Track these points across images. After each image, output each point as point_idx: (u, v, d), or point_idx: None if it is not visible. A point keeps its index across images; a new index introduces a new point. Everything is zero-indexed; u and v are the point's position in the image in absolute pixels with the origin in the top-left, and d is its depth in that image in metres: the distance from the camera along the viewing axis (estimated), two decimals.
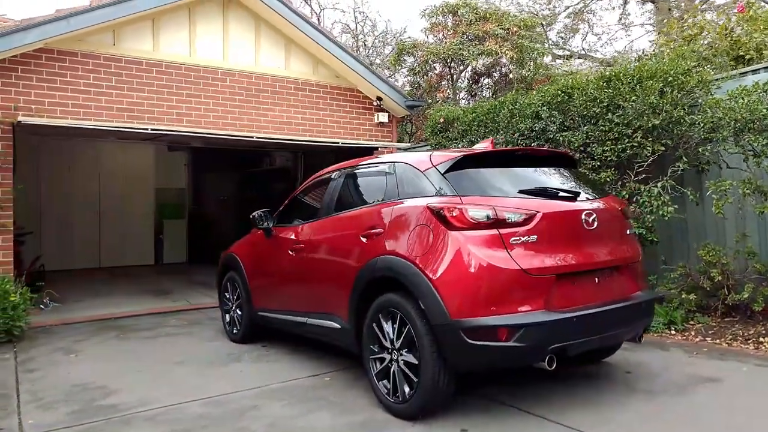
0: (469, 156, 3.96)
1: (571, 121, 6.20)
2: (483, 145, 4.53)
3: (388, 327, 3.89)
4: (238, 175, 13.81)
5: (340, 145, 9.69)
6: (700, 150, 5.45)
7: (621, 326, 3.87)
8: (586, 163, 6.02)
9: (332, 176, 5.02)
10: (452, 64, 10.68)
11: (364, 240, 4.17)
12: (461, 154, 3.94)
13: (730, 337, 5.32)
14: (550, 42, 21.56)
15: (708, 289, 5.56)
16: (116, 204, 12.93)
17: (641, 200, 5.68)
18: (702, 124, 5.33)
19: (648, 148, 5.67)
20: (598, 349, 4.17)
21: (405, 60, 10.85)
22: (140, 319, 7.65)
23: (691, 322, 5.76)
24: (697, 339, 5.43)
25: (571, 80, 6.41)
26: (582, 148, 6.10)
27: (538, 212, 3.66)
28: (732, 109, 5.01)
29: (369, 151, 9.92)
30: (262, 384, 4.63)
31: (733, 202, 5.17)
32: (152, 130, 7.76)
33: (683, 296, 5.62)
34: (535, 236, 3.61)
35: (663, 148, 5.68)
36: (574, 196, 3.90)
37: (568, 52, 20.42)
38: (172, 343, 6.17)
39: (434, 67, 10.75)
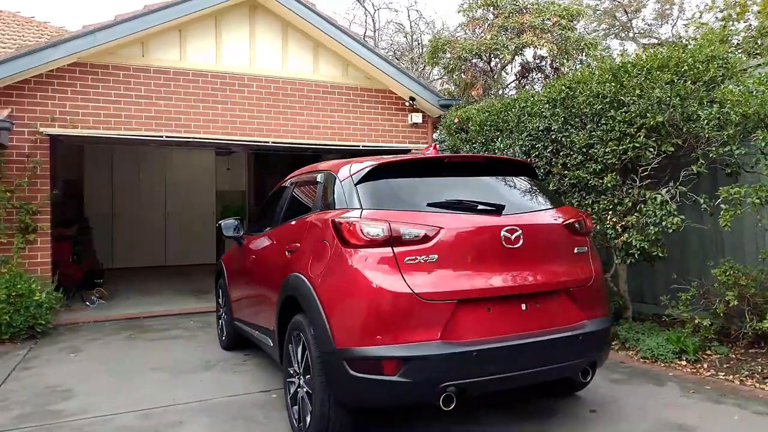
0: (386, 165, 3.53)
1: (577, 120, 5.50)
2: (428, 152, 4.07)
3: (295, 351, 3.59)
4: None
5: (370, 148, 9.42)
6: (709, 151, 4.60)
7: (549, 363, 3.28)
8: (588, 167, 5.31)
9: (286, 184, 4.77)
10: (492, 60, 10.02)
11: (287, 255, 3.89)
12: (375, 163, 3.52)
13: (746, 373, 4.44)
14: (636, 30, 19.91)
15: (721, 314, 4.69)
16: (181, 206, 13.52)
17: (644, 209, 4.91)
18: (707, 120, 4.48)
19: (652, 148, 4.88)
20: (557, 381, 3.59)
21: (441, 57, 10.35)
22: (163, 320, 7.85)
23: (708, 352, 4.90)
24: (708, 373, 4.60)
25: (579, 74, 5.69)
26: (584, 150, 5.38)
27: (440, 228, 3.19)
28: (740, 102, 4.15)
29: (402, 153, 9.58)
30: (208, 397, 4.49)
31: (745, 213, 4.29)
32: (167, 137, 7.94)
33: (697, 321, 4.78)
34: (436, 256, 3.15)
35: (672, 149, 4.86)
36: (495, 210, 3.36)
37: (655, 40, 18.74)
38: (166, 348, 6.22)
39: (470, 63, 10.14)
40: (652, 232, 4.80)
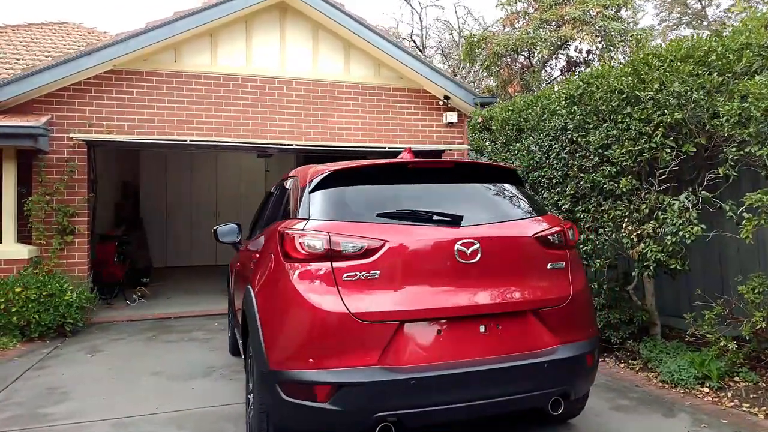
0: (342, 171, 3.25)
1: (595, 118, 5.00)
2: (405, 156, 3.77)
3: (249, 367, 3.41)
4: None
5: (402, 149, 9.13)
6: (728, 151, 3.99)
7: (507, 393, 2.90)
8: (604, 169, 4.80)
9: (272, 189, 4.61)
10: (533, 55, 9.46)
11: (251, 265, 3.72)
12: (330, 170, 3.26)
13: None
14: (711, 19, 18.43)
15: (747, 337, 4.08)
16: (230, 207, 13.78)
17: (661, 216, 4.36)
18: (726, 117, 3.89)
19: (669, 149, 4.32)
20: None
21: (478, 54, 9.87)
22: (190, 321, 7.94)
23: (736, 379, 4.30)
24: (731, 403, 4.02)
25: (599, 68, 5.17)
26: (600, 151, 4.88)
27: (384, 242, 2.89)
28: (763, 95, 3.55)
29: (437, 155, 9.25)
30: (190, 407, 4.40)
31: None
32: (191, 141, 8.00)
33: (723, 343, 4.20)
34: (378, 272, 2.86)
35: (695, 149, 4.29)
36: (452, 221, 3.02)
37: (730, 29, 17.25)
38: (179, 351, 6.24)
39: (509, 59, 9.61)
40: (669, 242, 4.25)
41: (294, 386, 2.76)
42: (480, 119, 7.07)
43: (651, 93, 4.38)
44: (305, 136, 8.82)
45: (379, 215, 3.01)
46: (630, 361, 5.19)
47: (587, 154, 5.05)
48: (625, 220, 4.60)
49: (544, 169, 5.71)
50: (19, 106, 7.67)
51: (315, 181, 3.23)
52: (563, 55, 9.87)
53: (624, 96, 4.63)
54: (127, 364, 5.66)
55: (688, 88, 4.19)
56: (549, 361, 2.95)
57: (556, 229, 3.26)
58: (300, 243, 2.90)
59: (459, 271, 2.94)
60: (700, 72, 4.27)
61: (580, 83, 5.14)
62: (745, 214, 3.72)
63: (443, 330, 2.89)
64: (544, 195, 5.72)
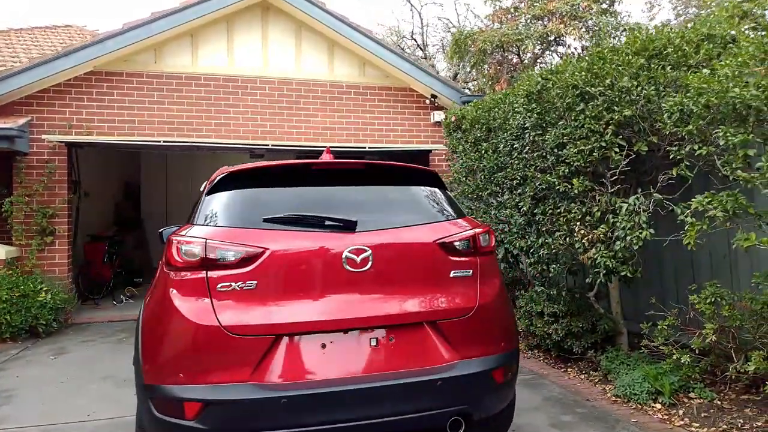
0: (238, 173, 3.06)
1: (554, 116, 4.72)
2: (325, 157, 3.57)
3: None
4: None
5: (389, 150, 8.95)
6: (670, 151, 3.68)
7: (396, 413, 2.67)
8: (558, 170, 4.52)
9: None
10: (523, 51, 9.13)
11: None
12: (227, 172, 3.08)
13: (725, 426, 3.52)
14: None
15: (696, 351, 3.77)
16: None
17: (611, 220, 4.07)
18: (668, 113, 3.57)
19: (618, 148, 4.03)
20: None
21: (466, 52, 9.58)
22: None
23: (691, 395, 3.98)
24: (681, 422, 3.70)
25: (560, 64, 4.88)
26: (555, 150, 4.60)
27: (264, 249, 2.70)
28: (703, 89, 3.24)
29: (424, 154, 9.02)
30: (123, 414, 4.25)
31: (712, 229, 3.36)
32: (169, 142, 7.94)
33: (675, 356, 3.88)
34: (255, 282, 2.66)
35: (646, 149, 3.99)
36: (344, 226, 2.81)
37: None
38: None
39: (499, 56, 9.31)
40: (618, 247, 3.95)
41: (164, 402, 2.59)
42: (453, 118, 6.82)
43: (601, 89, 4.09)
44: (288, 136, 8.68)
45: (266, 220, 2.83)
46: (591, 373, 4.90)
47: (544, 154, 4.78)
48: (578, 223, 4.32)
49: (508, 170, 5.45)
50: (1, 108, 7.69)
51: (213, 184, 3.06)
52: (558, 52, 9.53)
53: (578, 92, 4.34)
54: (84, 368, 5.59)
55: (636, 84, 3.89)
56: (443, 378, 2.72)
57: (463, 234, 3.01)
58: (177, 250, 2.73)
59: (348, 280, 2.74)
60: (652, 66, 3.96)
61: (539, 79, 4.86)
62: (688, 219, 3.40)
63: (328, 344, 2.68)
64: (505, 197, 5.46)
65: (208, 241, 2.70)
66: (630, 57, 4.03)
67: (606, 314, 4.87)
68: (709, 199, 3.30)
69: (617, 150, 4.02)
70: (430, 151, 9.01)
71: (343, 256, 2.71)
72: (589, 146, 4.14)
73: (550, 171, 4.67)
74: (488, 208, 5.92)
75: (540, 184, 4.79)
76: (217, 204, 2.95)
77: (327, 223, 2.81)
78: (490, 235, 3.13)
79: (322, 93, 8.81)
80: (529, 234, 5.15)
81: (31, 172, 7.76)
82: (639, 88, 3.89)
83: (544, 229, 4.85)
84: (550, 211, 4.73)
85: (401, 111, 9.14)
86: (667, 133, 3.69)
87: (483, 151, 5.96)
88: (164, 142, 8.07)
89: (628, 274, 4.01)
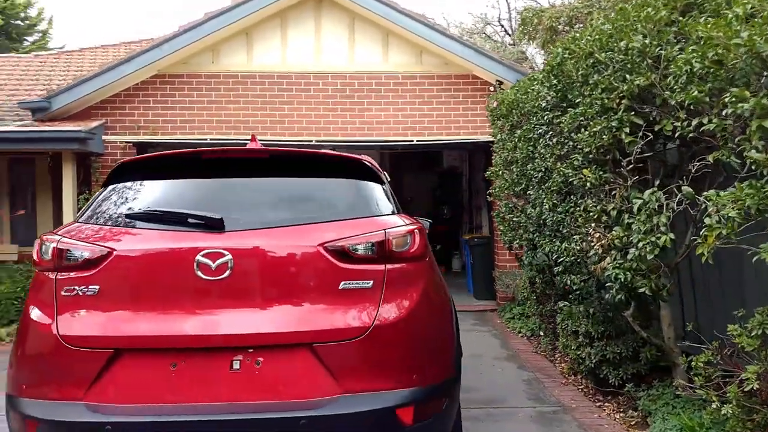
0: (129, 163, 2.68)
1: (577, 93, 3.79)
2: (251, 146, 3.06)
3: None
4: (419, 176, 13.19)
5: (447, 142, 8.24)
6: (679, 127, 2.64)
7: None
8: (573, 158, 3.60)
9: None
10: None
11: None
12: (119, 162, 2.71)
13: None
14: None
15: (734, 401, 2.71)
16: None
17: (626, 220, 3.11)
18: (675, 76, 2.56)
19: (630, 127, 3.04)
20: None
21: (534, 31, 8.47)
22: None
23: None
24: None
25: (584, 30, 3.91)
26: (573, 135, 3.67)
27: (110, 250, 2.28)
28: (711, 40, 2.22)
29: (484, 147, 8.17)
30: None
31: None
32: (211, 139, 7.85)
33: (715, 405, 2.86)
34: (97, 287, 2.27)
35: (671, 129, 2.97)
36: (210, 224, 2.29)
37: None
38: None
39: (564, 34, 8.11)
40: (632, 255, 3.00)
41: (13, 416, 2.28)
42: (495, 104, 5.96)
43: (613, 54, 3.14)
44: (341, 132, 8.27)
45: (127, 217, 2.40)
46: (630, 412, 3.91)
47: (562, 140, 3.88)
48: (592, 224, 3.40)
49: (536, 161, 4.55)
50: (80, 113, 8.10)
51: (107, 176, 2.71)
52: None
53: (592, 61, 3.41)
54: None
55: (653, 43, 2.91)
56: (309, 417, 2.10)
57: (363, 236, 2.34)
58: (38, 248, 2.41)
59: (202, 290, 2.24)
60: (680, 19, 2.95)
61: (560, 50, 3.95)
62: (707, 220, 2.42)
63: (180, 364, 2.19)
64: (534, 192, 4.57)
65: (61, 239, 2.34)
66: (654, 12, 3.04)
67: (650, 339, 3.84)
68: (739, 192, 2.30)
69: (628, 131, 3.05)
70: (492, 142, 8.11)
71: (196, 260, 2.20)
72: (600, 127, 3.22)
73: (567, 160, 3.77)
74: (525, 206, 5.05)
75: (559, 177, 3.89)
76: (100, 198, 2.60)
77: (190, 221, 2.31)
78: (413, 236, 2.43)
79: (377, 85, 8.28)
80: (555, 237, 4.24)
81: (106, 171, 8.07)
82: (656, 48, 2.91)
83: (564, 231, 3.94)
84: (572, 209, 3.82)
85: (463, 100, 8.34)
86: (675, 103, 2.69)
87: (517, 140, 5.09)
88: (222, 140, 8.03)
89: (647, 292, 3.03)
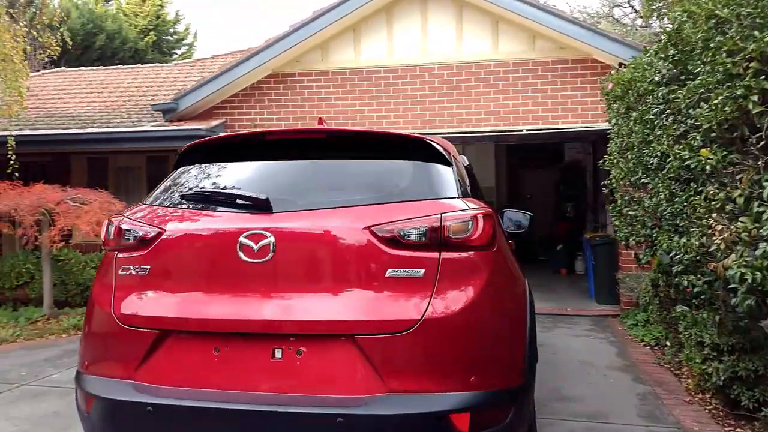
0: (195, 146, 2.65)
1: (698, 62, 3.23)
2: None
3: None
4: (539, 171, 12.50)
5: (564, 131, 7.66)
6: None
7: None
8: (691, 139, 3.04)
9: None
10: None
11: None
12: (186, 146, 2.70)
13: None
14: None
15: None
16: None
17: (755, 209, 2.53)
18: None
19: (756, 96, 2.46)
20: None
21: (661, 8, 7.47)
22: None
23: None
24: None
25: None
26: (691, 111, 3.10)
27: (161, 231, 2.28)
28: None
29: (603, 135, 7.44)
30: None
31: None
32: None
33: None
34: (148, 267, 2.27)
35: None
36: (252, 205, 2.21)
37: None
38: None
39: None
40: (761, 251, 2.44)
41: (78, 390, 2.36)
42: (610, 85, 5.35)
43: (738, 7, 2.59)
44: (448, 124, 8.02)
45: (183, 198, 2.39)
46: None
47: (679, 117, 3.32)
48: (713, 215, 2.85)
49: (652, 145, 3.98)
50: (203, 113, 8.68)
51: (176, 160, 2.73)
52: None
53: (715, 21, 2.86)
54: None
55: None
56: (347, 415, 1.90)
57: (416, 219, 2.10)
58: (106, 228, 2.49)
59: (244, 272, 2.15)
60: None
61: (678, 13, 3.38)
62: None
63: (223, 349, 2.12)
64: (644, 182, 3.99)
65: (123, 219, 2.39)
66: None
67: None
68: None
69: (756, 99, 2.48)
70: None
71: (239, 242, 2.11)
72: (722, 97, 2.67)
73: (684, 141, 3.21)
74: (641, 198, 4.47)
75: (675, 161, 3.34)
76: (168, 181, 2.63)
77: (239, 201, 2.24)
78: (476, 221, 2.16)
79: (485, 75, 7.90)
80: (673, 231, 3.67)
81: None
82: None
83: (683, 224, 3.38)
84: (691, 198, 3.26)
85: (581, 86, 7.70)
86: None
87: (632, 123, 4.51)
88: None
89: None
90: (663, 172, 3.73)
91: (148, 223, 2.31)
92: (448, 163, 2.48)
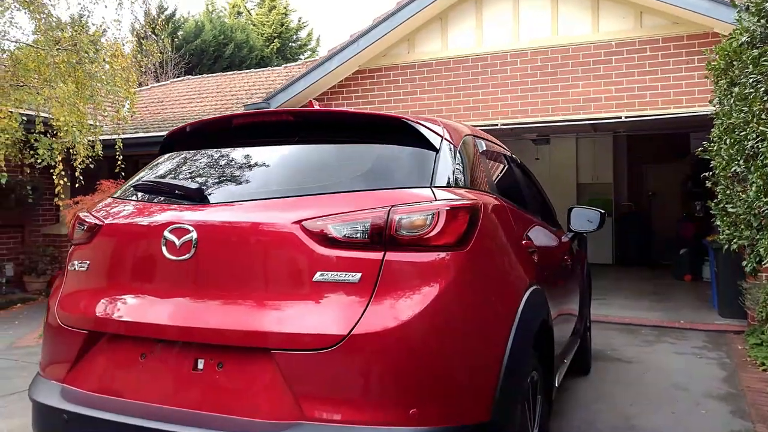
0: (173, 134, 2.50)
1: None
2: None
3: None
4: (664, 165, 11.18)
5: (676, 116, 6.71)
6: None
7: None
8: None
9: None
10: None
11: None
12: (167, 134, 2.56)
13: None
14: None
15: None
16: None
17: None
18: None
19: None
20: None
21: None
22: None
23: None
24: None
25: None
26: None
27: (100, 225, 2.15)
28: None
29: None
30: None
31: None
32: None
33: None
34: (88, 262, 2.14)
35: None
36: (185, 195, 2.00)
37: None
38: None
39: None
40: None
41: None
42: (716, 57, 4.47)
43: None
44: (542, 113, 7.37)
45: (135, 189, 2.25)
46: None
47: None
48: None
49: (751, 124, 3.21)
50: None
51: (159, 151, 2.61)
52: None
53: None
54: None
55: None
56: None
57: (355, 213, 1.75)
58: (69, 223, 2.44)
59: (167, 271, 1.94)
60: None
61: None
62: None
63: (149, 356, 1.93)
64: (735, 169, 3.22)
65: (83, 212, 2.33)
66: None
67: None
68: None
69: None
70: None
71: (163, 236, 1.92)
72: None
73: None
74: (740, 192, 3.67)
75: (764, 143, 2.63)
76: (139, 173, 2.52)
77: (176, 192, 2.06)
78: (438, 216, 1.78)
79: (584, 58, 7.14)
80: None
81: None
82: None
83: None
84: None
85: (699, 65, 6.65)
86: None
87: (734, 99, 3.71)
88: None
89: None
90: (759, 158, 2.99)
91: (95, 217, 2.21)
92: (433, 148, 2.11)
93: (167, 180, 2.18)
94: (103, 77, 6.79)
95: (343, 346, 1.64)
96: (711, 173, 4.40)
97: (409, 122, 2.12)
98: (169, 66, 16.90)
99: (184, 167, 2.31)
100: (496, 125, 7.52)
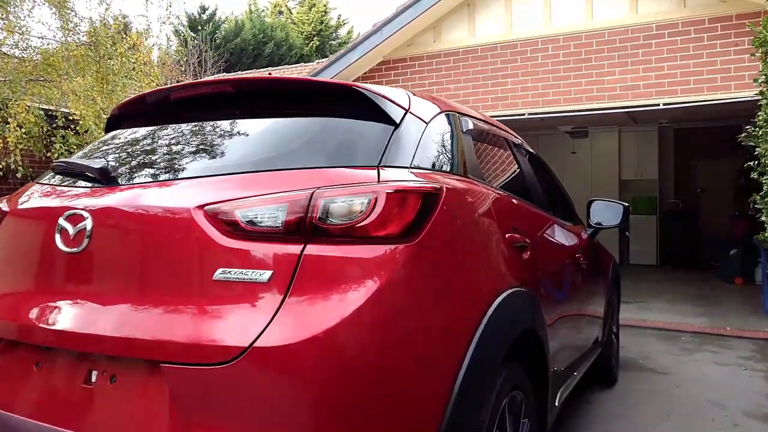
0: (121, 107, 2.23)
1: None
2: None
3: None
4: (715, 160, 10.39)
5: (720, 102, 6.11)
6: None
7: None
8: None
9: None
10: None
11: None
12: (112, 113, 2.29)
13: None
14: None
15: None
16: (581, 199, 12.05)
17: None
18: None
19: None
20: None
21: None
22: None
23: None
24: None
25: None
26: None
27: (6, 211, 1.90)
28: None
29: None
30: None
31: None
32: None
33: None
34: None
35: None
36: (94, 178, 1.71)
37: None
38: None
39: None
40: None
41: None
42: (761, 29, 3.94)
43: None
44: (575, 101, 6.89)
45: (53, 170, 1.97)
46: None
47: None
48: None
49: None
50: None
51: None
52: None
53: None
54: None
55: None
56: None
57: (269, 197, 1.43)
58: None
59: (62, 265, 1.65)
60: None
61: None
62: None
63: (43, 365, 1.64)
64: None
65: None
66: None
67: None
68: None
69: None
70: None
71: (57, 224, 1.65)
72: None
73: None
74: None
75: None
76: (105, 146, 2.25)
77: (87, 174, 1.78)
78: (375, 200, 1.45)
79: (621, 43, 6.62)
80: None
81: None
82: None
83: None
84: None
85: (749, 48, 6.03)
86: None
87: None
88: None
89: None
90: None
91: (6, 203, 1.96)
92: (391, 121, 1.77)
93: (77, 160, 1.91)
94: (121, 70, 6.72)
95: (241, 360, 1.32)
96: (756, 162, 3.89)
97: (362, 91, 1.79)
98: (208, 64, 17.04)
99: (110, 146, 2.04)
100: (523, 115, 7.09)
